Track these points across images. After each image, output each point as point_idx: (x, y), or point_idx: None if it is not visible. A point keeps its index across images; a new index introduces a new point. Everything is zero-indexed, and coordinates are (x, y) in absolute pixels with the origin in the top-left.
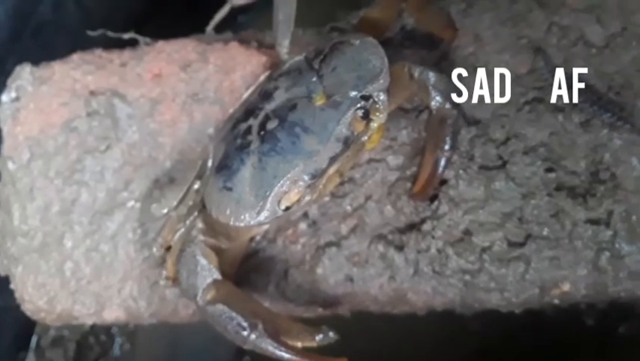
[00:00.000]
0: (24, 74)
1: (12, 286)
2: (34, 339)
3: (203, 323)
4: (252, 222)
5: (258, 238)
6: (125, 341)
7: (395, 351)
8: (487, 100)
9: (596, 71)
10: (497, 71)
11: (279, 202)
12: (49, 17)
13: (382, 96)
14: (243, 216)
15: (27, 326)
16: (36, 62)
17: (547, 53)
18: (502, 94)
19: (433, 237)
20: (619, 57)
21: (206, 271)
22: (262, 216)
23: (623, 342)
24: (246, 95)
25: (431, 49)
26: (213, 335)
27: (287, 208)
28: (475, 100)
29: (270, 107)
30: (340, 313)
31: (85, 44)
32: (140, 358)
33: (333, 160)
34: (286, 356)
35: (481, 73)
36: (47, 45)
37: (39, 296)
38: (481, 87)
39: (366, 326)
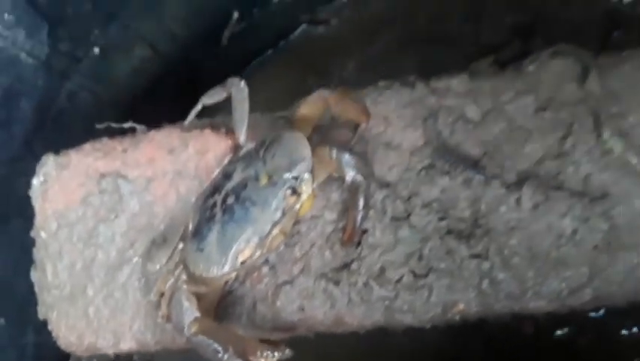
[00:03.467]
0: (49, 162)
1: (49, 327)
2: None
3: None
4: (218, 274)
5: (230, 282)
6: None
7: None
8: (396, 167)
9: (475, 141)
10: (402, 144)
11: (237, 258)
12: (66, 105)
13: (307, 175)
14: (212, 270)
15: (63, 358)
16: (56, 144)
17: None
18: (406, 163)
19: (360, 273)
20: (491, 129)
21: (189, 311)
22: (225, 269)
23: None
24: (214, 174)
25: (351, 130)
26: None
27: (243, 262)
28: (386, 168)
29: (229, 185)
30: (305, 335)
31: (94, 128)
32: None
33: (274, 225)
34: None
35: (390, 147)
36: (65, 128)
37: (70, 334)
38: (390, 157)
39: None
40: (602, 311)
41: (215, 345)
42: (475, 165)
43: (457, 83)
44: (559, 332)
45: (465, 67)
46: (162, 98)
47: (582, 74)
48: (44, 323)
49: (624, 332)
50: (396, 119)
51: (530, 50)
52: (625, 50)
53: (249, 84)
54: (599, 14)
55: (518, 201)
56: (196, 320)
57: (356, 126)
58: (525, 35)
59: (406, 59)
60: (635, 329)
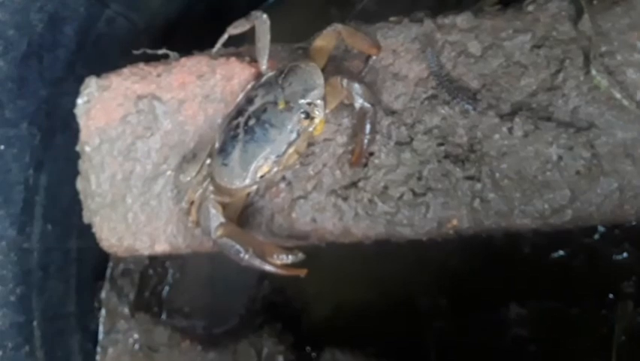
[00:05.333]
0: (91, 84)
1: (93, 230)
2: (108, 271)
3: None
4: (240, 186)
5: (251, 194)
6: (176, 271)
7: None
8: (402, 97)
9: (474, 74)
10: (409, 75)
11: (256, 172)
12: (105, 31)
13: (319, 101)
14: (235, 182)
15: (102, 261)
16: (95, 66)
17: (433, 51)
18: (411, 92)
19: (365, 190)
20: (490, 64)
21: (215, 217)
22: (246, 182)
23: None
24: (238, 99)
25: (363, 61)
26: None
27: (262, 176)
28: (393, 97)
29: (251, 109)
30: (316, 243)
31: (130, 52)
32: (187, 283)
33: (289, 145)
34: (267, 267)
35: (397, 77)
36: (103, 51)
37: (111, 236)
38: (397, 87)
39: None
40: (595, 236)
41: (238, 246)
42: (473, 96)
43: (462, 20)
44: (554, 255)
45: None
46: (192, 25)
47: (576, 15)
48: (87, 229)
49: (615, 256)
50: (404, 52)
51: None
52: None
53: (273, 14)
54: None
55: (510, 129)
56: (221, 224)
57: (367, 58)
58: None
59: None
60: (625, 254)
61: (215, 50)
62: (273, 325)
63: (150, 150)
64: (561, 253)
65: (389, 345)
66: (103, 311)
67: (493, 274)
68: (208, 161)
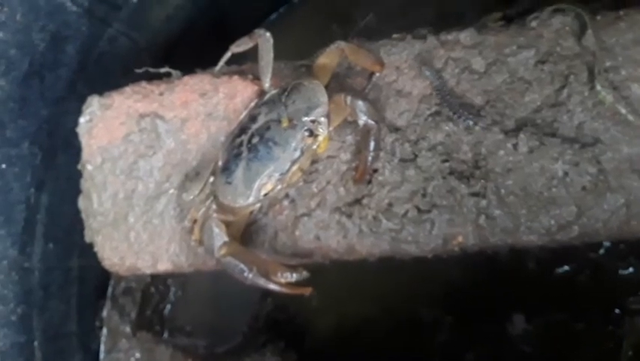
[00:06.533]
0: (94, 103)
1: (95, 249)
2: (109, 290)
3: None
4: (244, 204)
5: (254, 212)
6: (178, 289)
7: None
8: (406, 113)
9: (478, 90)
10: (412, 92)
11: (260, 191)
12: (106, 50)
13: (323, 119)
14: (238, 200)
15: (104, 280)
16: (97, 85)
17: (429, 68)
18: (415, 109)
19: (369, 208)
20: (494, 80)
21: (219, 236)
22: (250, 200)
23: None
24: (241, 117)
25: (366, 78)
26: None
27: (266, 194)
28: (397, 114)
29: (254, 127)
30: (320, 261)
31: (132, 71)
32: (189, 301)
33: (293, 163)
34: (272, 286)
35: (401, 94)
36: (105, 70)
37: (113, 255)
38: (401, 104)
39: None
40: (601, 251)
41: (242, 265)
42: (477, 112)
43: (465, 36)
44: (559, 270)
45: (480, 17)
46: (193, 43)
47: (580, 30)
48: (88, 248)
49: (621, 271)
50: (407, 69)
51: (535, 7)
52: (621, 9)
53: (274, 30)
54: None
55: (515, 146)
56: (225, 243)
57: (370, 75)
58: None
59: (426, 7)
60: (631, 269)
61: (218, 68)
62: (276, 343)
63: (153, 169)
64: (566, 267)
65: None
66: (104, 330)
67: (498, 289)
68: (211, 179)
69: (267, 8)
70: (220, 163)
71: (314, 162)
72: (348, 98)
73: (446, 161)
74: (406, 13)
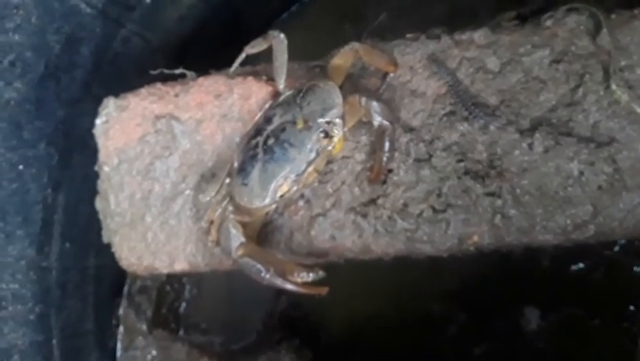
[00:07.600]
0: (110, 104)
1: (112, 249)
2: (125, 288)
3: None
4: (260, 205)
5: (270, 213)
6: (193, 287)
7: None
8: (420, 113)
9: (493, 90)
10: (427, 92)
11: (276, 192)
12: (120, 50)
13: (338, 120)
14: (254, 202)
15: (120, 278)
16: (112, 86)
17: (440, 62)
18: (429, 109)
19: (385, 208)
20: (509, 79)
21: (236, 237)
22: (266, 201)
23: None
24: (256, 118)
25: (380, 78)
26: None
27: (282, 195)
28: (411, 114)
29: (270, 128)
30: (336, 261)
31: (145, 71)
32: (204, 299)
33: (309, 164)
34: (289, 286)
35: (415, 94)
36: (119, 71)
37: (131, 255)
38: (415, 104)
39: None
40: (616, 248)
41: (259, 265)
42: (492, 112)
43: (479, 36)
44: (574, 267)
45: (494, 15)
46: (206, 43)
47: (594, 29)
48: (104, 247)
49: (636, 268)
50: (421, 69)
51: (549, 6)
52: (636, 8)
53: (289, 28)
54: None
55: (531, 145)
56: (242, 244)
57: (384, 75)
58: None
59: (438, 3)
60: None
61: (232, 69)
62: (291, 340)
63: (169, 170)
64: (581, 265)
65: (407, 359)
66: (121, 328)
67: (512, 286)
68: (227, 180)
69: (279, 7)
70: (236, 164)
71: (329, 162)
72: (363, 99)
73: (461, 161)
74: (418, 10)
